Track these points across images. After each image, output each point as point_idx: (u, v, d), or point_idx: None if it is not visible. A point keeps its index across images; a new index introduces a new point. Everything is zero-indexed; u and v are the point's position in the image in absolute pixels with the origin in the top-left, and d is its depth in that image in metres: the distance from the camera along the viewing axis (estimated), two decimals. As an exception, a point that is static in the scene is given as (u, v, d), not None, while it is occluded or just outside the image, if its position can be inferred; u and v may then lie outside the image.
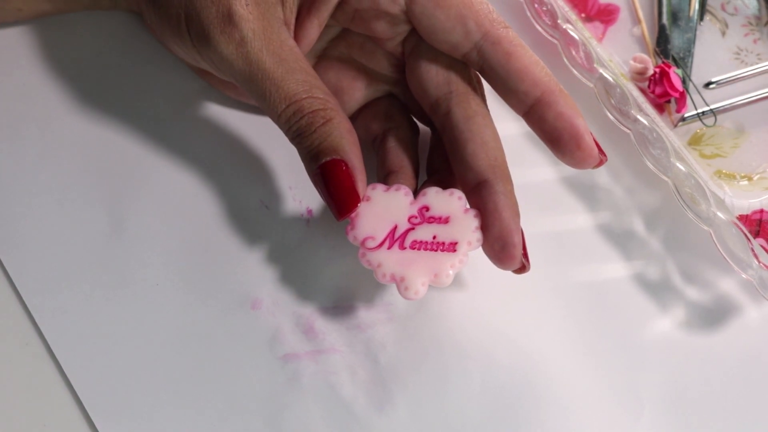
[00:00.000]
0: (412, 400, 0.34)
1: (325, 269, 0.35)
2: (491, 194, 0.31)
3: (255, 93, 0.31)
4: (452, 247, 0.31)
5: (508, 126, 0.38)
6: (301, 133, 0.31)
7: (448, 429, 0.33)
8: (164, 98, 0.38)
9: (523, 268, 0.32)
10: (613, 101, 0.37)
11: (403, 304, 0.35)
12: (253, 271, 0.35)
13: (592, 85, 0.38)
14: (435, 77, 0.32)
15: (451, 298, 0.35)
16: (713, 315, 0.35)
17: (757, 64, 0.39)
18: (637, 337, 0.35)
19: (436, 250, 0.31)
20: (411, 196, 0.32)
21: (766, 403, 0.34)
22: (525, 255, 0.32)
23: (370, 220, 0.31)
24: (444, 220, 0.31)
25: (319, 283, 0.35)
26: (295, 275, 0.35)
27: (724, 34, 0.40)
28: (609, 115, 0.37)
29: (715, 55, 0.40)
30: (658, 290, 0.36)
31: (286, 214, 0.36)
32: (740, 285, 0.36)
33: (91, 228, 0.36)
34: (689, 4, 0.40)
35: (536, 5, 0.39)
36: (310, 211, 0.36)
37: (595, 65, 0.37)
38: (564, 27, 0.38)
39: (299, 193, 0.37)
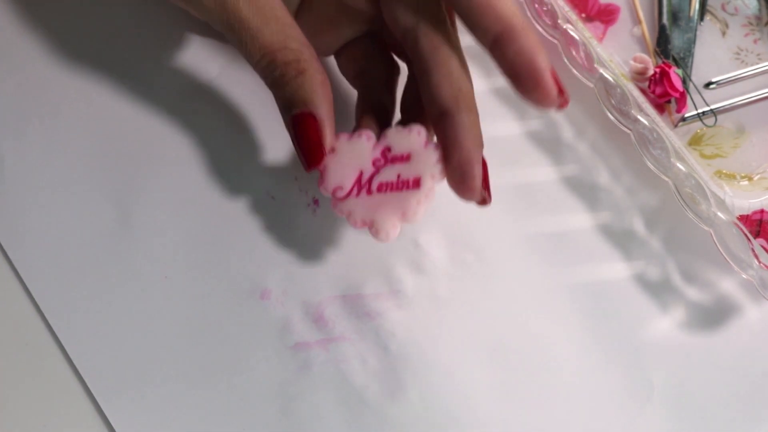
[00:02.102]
0: (423, 387, 0.34)
1: (332, 258, 0.36)
2: (451, 124, 0.30)
3: (234, 42, 0.31)
4: (416, 183, 0.30)
5: (508, 126, 0.38)
6: (275, 84, 0.31)
7: (459, 415, 0.34)
8: (171, 92, 0.38)
9: (484, 201, 0.31)
10: (613, 101, 0.37)
11: (412, 292, 0.35)
12: (261, 261, 0.35)
13: (592, 86, 0.38)
14: (405, 7, 0.32)
15: (458, 287, 0.35)
16: (713, 315, 0.36)
17: (757, 64, 0.39)
18: (636, 337, 0.35)
19: (401, 190, 0.31)
20: (374, 140, 0.31)
21: (766, 403, 0.34)
22: (486, 187, 0.31)
23: (337, 170, 0.31)
24: (406, 158, 0.31)
25: (328, 272, 0.36)
26: (303, 265, 0.36)
27: (724, 34, 0.40)
28: (609, 115, 0.37)
29: (715, 55, 0.40)
30: (658, 290, 0.36)
31: (292, 204, 0.36)
32: (740, 285, 0.36)
33: (99, 222, 0.36)
34: (689, 4, 0.40)
35: (536, 5, 0.39)
36: (316, 201, 0.36)
37: (595, 65, 0.37)
38: (564, 27, 0.38)
39: (305, 184, 0.37)
